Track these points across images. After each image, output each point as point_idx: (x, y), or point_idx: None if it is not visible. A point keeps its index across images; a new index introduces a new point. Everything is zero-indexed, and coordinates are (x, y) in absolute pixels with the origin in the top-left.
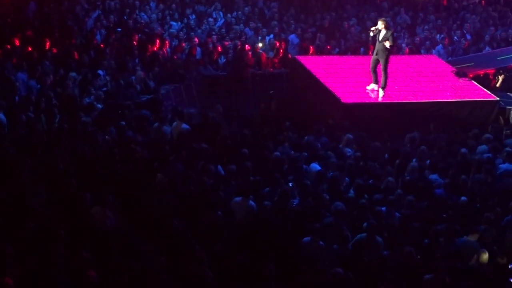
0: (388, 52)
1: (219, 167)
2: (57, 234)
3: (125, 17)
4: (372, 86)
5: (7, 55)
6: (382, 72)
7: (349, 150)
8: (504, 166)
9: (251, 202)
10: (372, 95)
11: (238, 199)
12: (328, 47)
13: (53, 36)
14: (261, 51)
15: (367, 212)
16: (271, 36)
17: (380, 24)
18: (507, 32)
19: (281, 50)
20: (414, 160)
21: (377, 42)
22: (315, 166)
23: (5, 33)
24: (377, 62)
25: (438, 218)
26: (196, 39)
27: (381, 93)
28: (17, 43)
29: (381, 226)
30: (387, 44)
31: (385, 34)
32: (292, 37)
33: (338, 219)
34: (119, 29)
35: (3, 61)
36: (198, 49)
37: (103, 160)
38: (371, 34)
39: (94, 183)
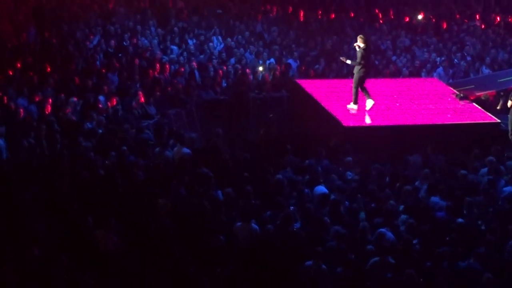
0: (361, 67)
1: (219, 191)
2: (59, 259)
3: (124, 42)
4: (368, 103)
5: (8, 81)
6: (353, 87)
7: (350, 173)
8: (508, 189)
9: (254, 226)
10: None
11: (239, 224)
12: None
13: (54, 61)
14: (261, 74)
15: (368, 235)
16: (272, 60)
17: (359, 40)
18: (510, 54)
19: (278, 73)
20: (416, 182)
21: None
22: (322, 189)
23: (6, 58)
24: (363, 79)
25: (440, 241)
26: (195, 63)
27: (352, 106)
28: (18, 68)
29: (383, 249)
30: (356, 62)
31: (357, 51)
32: (290, 61)
33: (340, 242)
34: (120, 55)
35: (5, 87)
36: (197, 73)
37: (104, 185)
38: (357, 49)
39: (96, 207)
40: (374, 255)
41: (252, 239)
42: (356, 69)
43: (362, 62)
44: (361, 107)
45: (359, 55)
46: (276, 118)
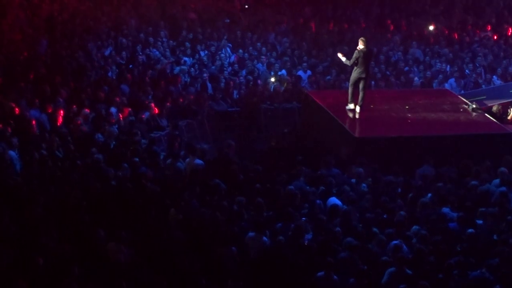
0: (357, 69)
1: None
2: (70, 270)
3: (137, 53)
4: (349, 107)
5: (21, 93)
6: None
7: (364, 185)
8: None
9: (264, 238)
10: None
11: (251, 234)
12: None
13: (66, 72)
14: (272, 85)
15: (382, 246)
16: (283, 71)
17: (359, 43)
18: None
19: (290, 84)
20: (428, 195)
21: None
22: (333, 200)
23: (18, 70)
24: (358, 80)
25: (452, 251)
26: (206, 75)
27: (349, 106)
28: (30, 80)
29: (395, 260)
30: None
31: (356, 51)
32: (300, 73)
33: (353, 253)
34: (131, 66)
35: (17, 98)
36: (209, 84)
37: (115, 196)
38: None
39: (107, 218)
40: (388, 266)
41: (263, 251)
42: (353, 70)
43: (355, 62)
44: (371, 118)
45: (354, 55)
46: (288, 130)
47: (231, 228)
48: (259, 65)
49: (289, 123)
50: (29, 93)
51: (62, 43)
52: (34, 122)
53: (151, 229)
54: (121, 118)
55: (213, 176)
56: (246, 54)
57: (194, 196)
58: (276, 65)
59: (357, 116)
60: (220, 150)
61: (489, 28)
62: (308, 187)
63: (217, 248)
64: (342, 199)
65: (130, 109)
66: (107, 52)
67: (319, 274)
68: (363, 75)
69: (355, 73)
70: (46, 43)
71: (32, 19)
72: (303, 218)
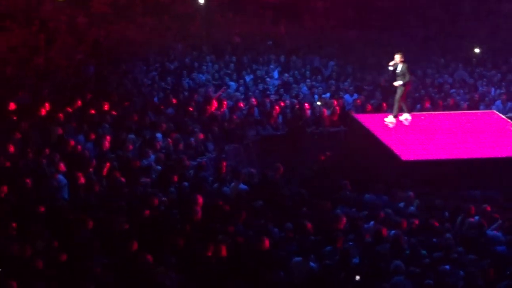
0: (404, 84)
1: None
2: None
3: (183, 78)
4: (405, 116)
5: (68, 118)
6: (395, 102)
7: (412, 207)
8: None
9: (312, 264)
10: (406, 123)
11: (298, 259)
12: (385, 105)
13: (112, 98)
14: (319, 109)
15: (431, 271)
16: (328, 94)
17: (398, 58)
18: None
19: (338, 108)
20: (476, 217)
21: (397, 75)
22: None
23: (65, 96)
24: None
25: (501, 275)
26: (254, 100)
27: (390, 119)
28: (78, 105)
29: (445, 285)
30: (404, 79)
31: (401, 68)
32: (346, 97)
33: (407, 278)
34: (177, 91)
35: (64, 124)
36: (256, 109)
37: (163, 221)
38: (390, 68)
39: (154, 244)
40: None
41: (309, 277)
42: (399, 85)
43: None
44: (417, 141)
45: (405, 70)
46: (334, 154)
47: (278, 252)
48: (304, 89)
49: (334, 147)
50: (76, 118)
51: (109, 69)
52: (80, 147)
53: (198, 255)
54: (168, 143)
55: (259, 200)
56: (291, 78)
57: (239, 221)
58: (320, 88)
59: (406, 123)
60: (266, 174)
61: None
62: (353, 211)
63: (264, 272)
64: (389, 223)
65: (176, 134)
66: (152, 77)
67: None
68: (407, 86)
69: (402, 87)
70: (93, 69)
71: (79, 45)
72: (350, 243)
